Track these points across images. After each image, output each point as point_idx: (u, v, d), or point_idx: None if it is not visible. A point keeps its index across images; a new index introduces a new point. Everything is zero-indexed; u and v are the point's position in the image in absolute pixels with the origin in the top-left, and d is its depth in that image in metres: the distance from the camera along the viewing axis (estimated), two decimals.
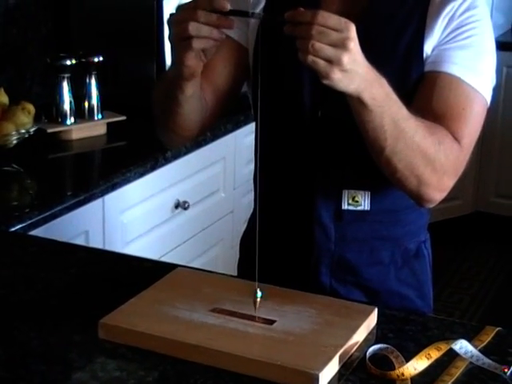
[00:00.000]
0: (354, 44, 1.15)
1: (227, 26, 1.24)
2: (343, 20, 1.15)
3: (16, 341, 1.18)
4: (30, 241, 1.64)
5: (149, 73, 2.60)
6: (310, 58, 1.14)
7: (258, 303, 1.20)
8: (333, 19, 1.14)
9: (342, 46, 1.14)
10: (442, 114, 1.33)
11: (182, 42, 1.25)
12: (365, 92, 1.20)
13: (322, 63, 1.14)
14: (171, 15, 1.31)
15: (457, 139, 1.33)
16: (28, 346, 1.17)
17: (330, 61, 1.14)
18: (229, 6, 1.22)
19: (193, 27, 1.22)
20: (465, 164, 1.37)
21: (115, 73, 2.67)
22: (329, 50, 1.14)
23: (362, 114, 1.24)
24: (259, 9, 1.47)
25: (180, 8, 1.26)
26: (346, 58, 1.14)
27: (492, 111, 4.33)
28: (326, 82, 1.17)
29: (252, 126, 2.57)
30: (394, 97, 1.25)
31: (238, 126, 2.66)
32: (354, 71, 1.17)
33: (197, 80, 1.34)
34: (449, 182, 1.35)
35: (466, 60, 1.35)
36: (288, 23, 1.16)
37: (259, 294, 1.20)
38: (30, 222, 1.85)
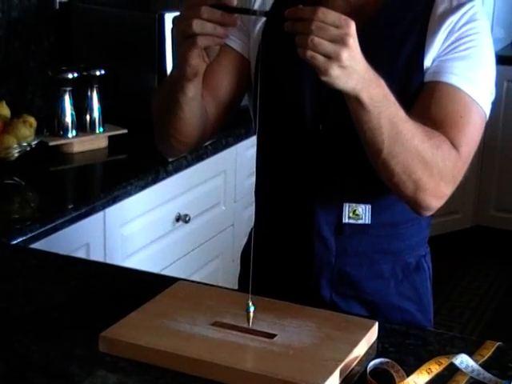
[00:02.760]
0: (354, 41, 1.15)
1: (231, 23, 1.25)
2: (343, 17, 1.15)
3: (17, 354, 1.18)
4: (31, 254, 1.64)
5: (150, 86, 2.61)
6: (309, 53, 1.14)
7: (251, 318, 1.20)
8: (332, 15, 1.14)
9: (341, 41, 1.14)
10: (440, 122, 1.33)
11: (186, 40, 1.26)
12: (363, 91, 1.20)
13: (320, 59, 1.14)
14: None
15: (455, 146, 1.33)
16: (29, 359, 1.17)
17: (328, 56, 1.14)
18: (235, 2, 1.23)
19: (197, 24, 1.23)
20: (463, 173, 1.36)
21: (117, 86, 2.68)
22: (328, 46, 1.14)
23: (359, 114, 1.24)
24: (261, 22, 1.47)
25: (185, 6, 1.27)
26: (345, 54, 1.15)
27: (492, 125, 4.34)
28: (324, 78, 1.17)
29: (253, 140, 2.56)
30: (392, 99, 1.25)
31: (239, 139, 2.67)
32: (352, 68, 1.17)
33: (199, 82, 1.34)
34: (446, 190, 1.34)
35: (465, 71, 1.36)
36: (289, 20, 1.16)
37: (252, 307, 1.20)
38: (31, 234, 1.85)
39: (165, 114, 1.42)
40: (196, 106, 1.39)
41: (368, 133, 1.25)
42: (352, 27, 1.15)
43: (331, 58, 1.14)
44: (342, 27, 1.14)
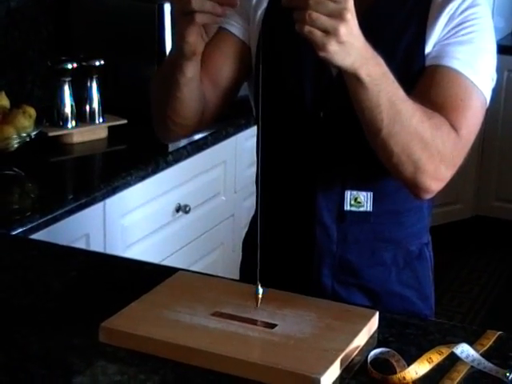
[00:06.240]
0: (351, 15, 1.14)
1: (230, 3, 1.24)
2: None
3: (16, 344, 1.18)
4: (31, 244, 1.64)
5: (150, 76, 2.59)
6: (307, 28, 1.13)
7: (259, 300, 1.20)
8: None
9: (339, 16, 1.13)
10: (440, 105, 1.32)
11: (184, 17, 1.25)
12: (361, 68, 1.19)
13: (318, 34, 1.13)
14: None
15: (455, 129, 1.32)
16: (28, 350, 1.17)
17: (326, 31, 1.13)
18: None
19: (196, 1, 1.23)
20: (462, 157, 1.35)
21: (116, 76, 2.67)
22: (326, 20, 1.12)
23: (358, 92, 1.23)
24: (262, 9, 1.46)
25: None
26: (342, 29, 1.13)
27: (493, 114, 4.32)
28: (322, 54, 1.15)
29: (253, 130, 2.57)
30: (391, 77, 1.24)
31: (239, 129, 2.66)
32: (350, 44, 1.15)
33: (197, 62, 1.33)
34: (446, 172, 1.33)
35: (466, 55, 1.35)
36: None
37: (260, 290, 1.20)
38: (31, 225, 1.85)
39: (163, 95, 1.42)
40: (194, 87, 1.39)
41: (367, 111, 1.24)
42: (350, 2, 1.14)
43: (329, 32, 1.13)
44: (339, 2, 1.13)
